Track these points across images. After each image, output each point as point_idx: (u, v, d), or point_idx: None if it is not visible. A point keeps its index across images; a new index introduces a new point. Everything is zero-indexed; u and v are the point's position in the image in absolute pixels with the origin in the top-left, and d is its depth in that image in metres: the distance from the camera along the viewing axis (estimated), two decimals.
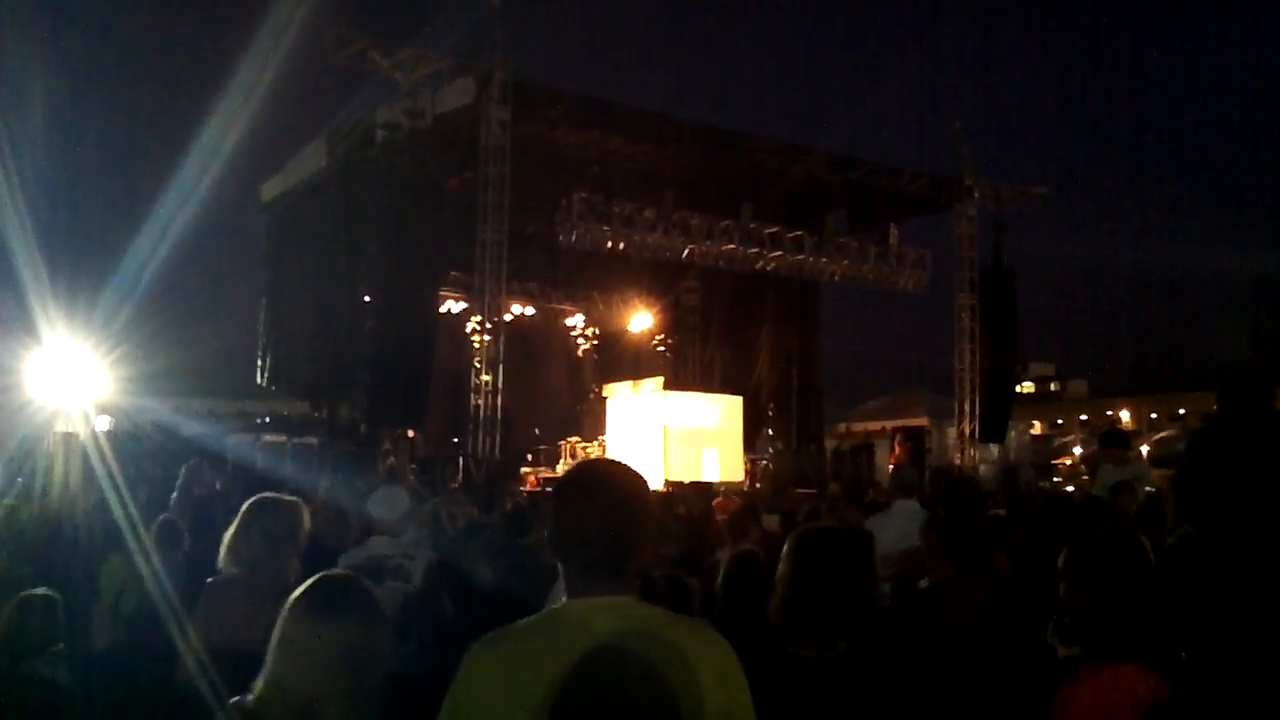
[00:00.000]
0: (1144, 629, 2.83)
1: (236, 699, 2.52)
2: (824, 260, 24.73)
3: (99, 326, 15.69)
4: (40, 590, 4.56)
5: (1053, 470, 35.51)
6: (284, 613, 2.52)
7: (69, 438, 11.51)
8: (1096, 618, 2.88)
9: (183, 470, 7.36)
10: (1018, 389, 34.18)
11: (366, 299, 20.45)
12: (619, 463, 2.34)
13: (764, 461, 24.57)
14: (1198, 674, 2.90)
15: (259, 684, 2.49)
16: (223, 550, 4.04)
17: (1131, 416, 54.93)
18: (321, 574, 2.70)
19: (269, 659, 2.49)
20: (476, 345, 20.14)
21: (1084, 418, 62.47)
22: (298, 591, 2.57)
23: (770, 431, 25.94)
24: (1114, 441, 9.53)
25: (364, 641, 2.47)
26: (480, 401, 19.57)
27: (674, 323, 29.96)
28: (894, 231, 25.60)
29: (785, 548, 3.10)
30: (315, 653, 2.43)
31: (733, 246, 23.38)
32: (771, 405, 27.18)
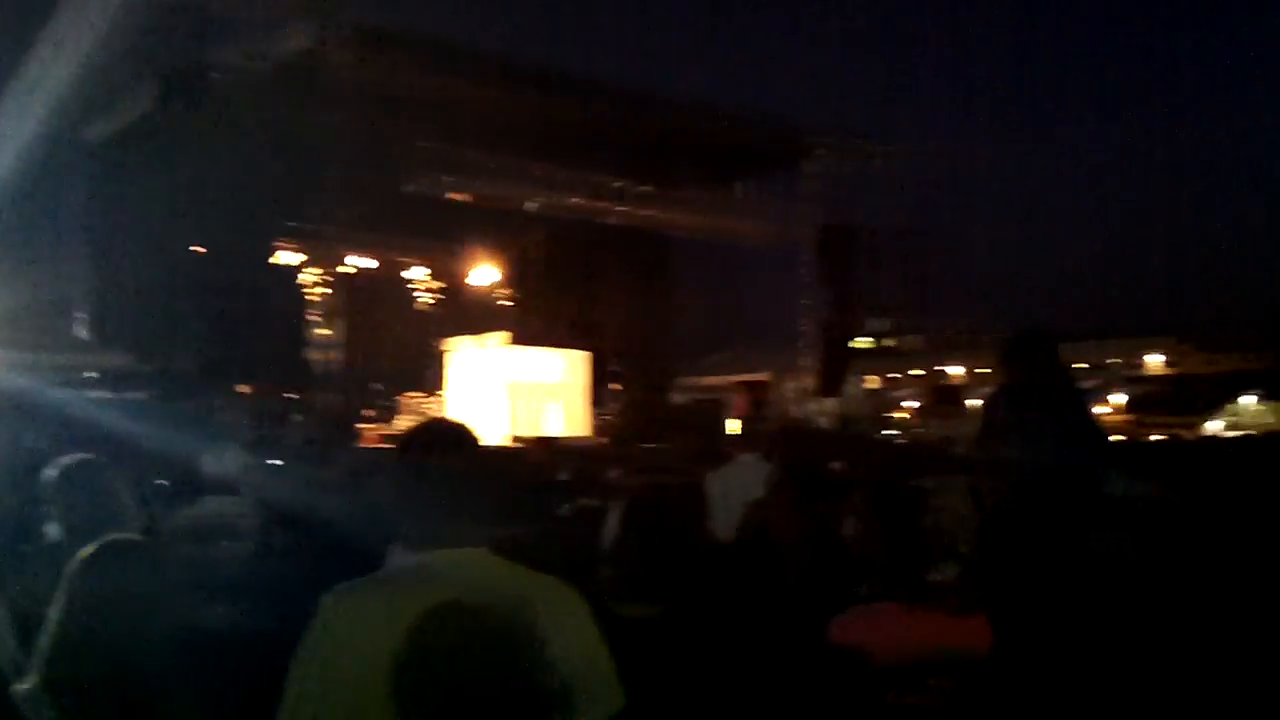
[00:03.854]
0: (917, 573, 3.06)
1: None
2: (670, 213, 24.81)
3: None
4: None
5: (889, 423, 36.47)
6: (62, 579, 2.55)
7: None
8: (875, 559, 3.18)
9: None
10: (856, 344, 35.04)
11: (200, 249, 19.74)
12: (461, 421, 2.42)
13: (610, 416, 24.64)
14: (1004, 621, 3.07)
15: (34, 656, 2.49)
16: (44, 513, 3.86)
17: (965, 372, 56.67)
18: (106, 539, 2.74)
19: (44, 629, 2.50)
20: (316, 297, 19.68)
21: (919, 372, 64.31)
22: (77, 555, 2.61)
23: (617, 386, 26.02)
24: (946, 397, 9.82)
25: (131, 605, 2.49)
26: (319, 355, 19.18)
27: (520, 275, 29.68)
28: (742, 186, 25.82)
29: (617, 507, 3.09)
30: (81, 618, 2.46)
31: (579, 198, 23.27)
32: (618, 360, 27.25)
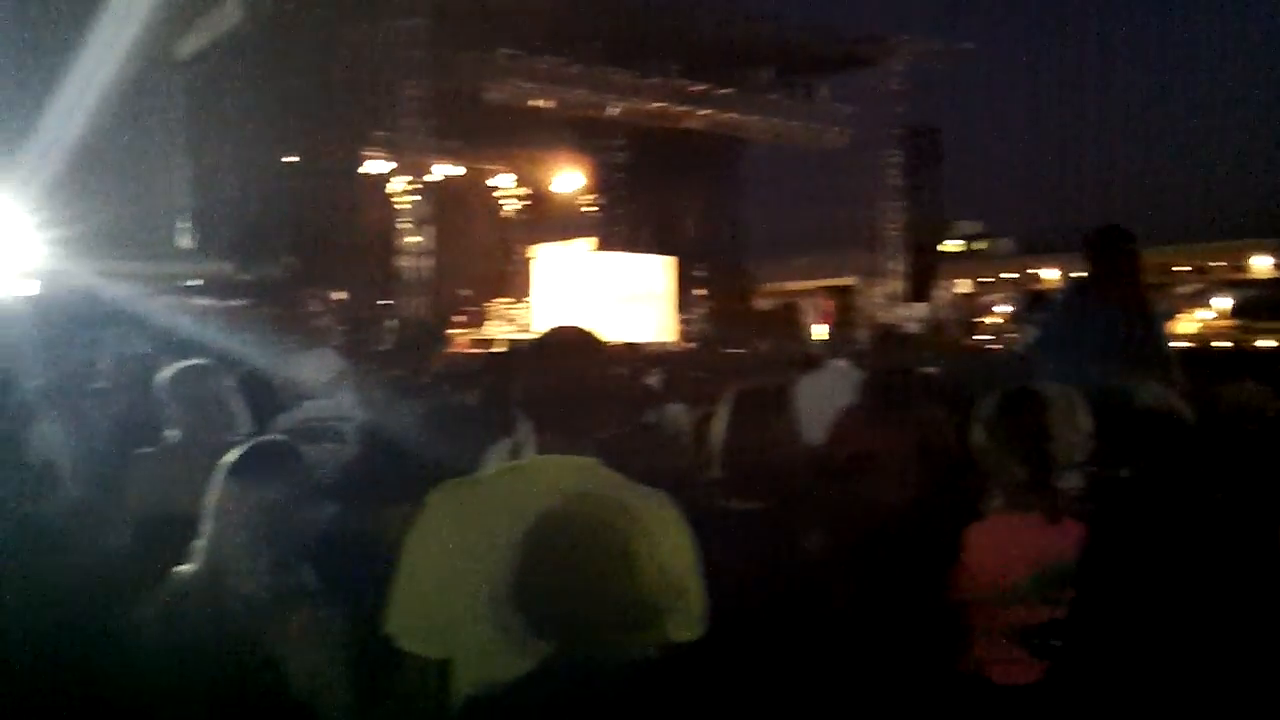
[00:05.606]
0: (1045, 483, 2.92)
1: (174, 569, 2.56)
2: (751, 117, 24.58)
3: (19, 189, 15.24)
4: None
5: (979, 328, 35.91)
6: (215, 478, 2.55)
7: None
8: (1004, 470, 2.99)
9: (108, 335, 7.20)
10: (944, 247, 34.43)
11: (293, 158, 19.95)
12: (591, 330, 2.37)
13: (694, 321, 24.65)
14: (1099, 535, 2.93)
15: (195, 550, 2.52)
16: (161, 417, 3.97)
17: (1060, 274, 55.30)
18: (254, 440, 2.76)
19: (203, 525, 2.53)
20: (404, 205, 19.83)
21: (1011, 275, 62.97)
22: (228, 456, 2.60)
23: (700, 291, 25.98)
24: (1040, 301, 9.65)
25: (286, 503, 2.52)
26: (409, 262, 19.37)
27: (603, 182, 29.52)
28: (821, 88, 25.47)
29: (721, 406, 3.11)
30: (240, 515, 2.48)
31: (660, 103, 23.13)
32: (700, 265, 27.17)
